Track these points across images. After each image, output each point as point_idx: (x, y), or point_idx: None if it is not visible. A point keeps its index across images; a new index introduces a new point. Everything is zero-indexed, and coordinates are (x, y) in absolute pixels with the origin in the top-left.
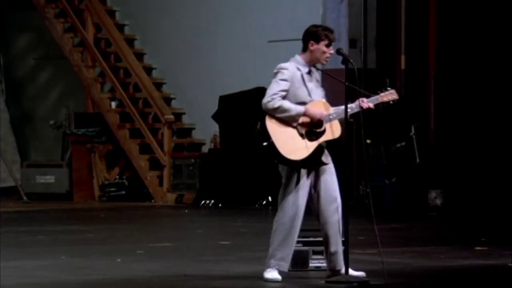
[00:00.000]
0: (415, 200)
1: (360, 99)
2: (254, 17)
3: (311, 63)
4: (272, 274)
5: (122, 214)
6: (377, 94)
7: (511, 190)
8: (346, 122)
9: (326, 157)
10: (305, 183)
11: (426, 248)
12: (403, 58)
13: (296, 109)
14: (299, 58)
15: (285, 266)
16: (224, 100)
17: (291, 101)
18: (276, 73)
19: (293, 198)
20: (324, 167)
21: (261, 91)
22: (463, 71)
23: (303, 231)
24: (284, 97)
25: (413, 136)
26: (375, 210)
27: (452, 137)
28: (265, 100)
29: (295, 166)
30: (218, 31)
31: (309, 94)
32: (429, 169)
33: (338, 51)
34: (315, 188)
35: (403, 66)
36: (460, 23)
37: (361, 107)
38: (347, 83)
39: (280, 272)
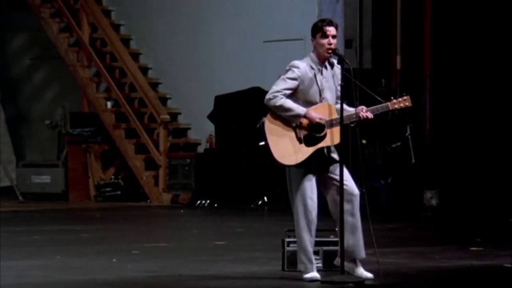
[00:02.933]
0: (411, 200)
1: (360, 107)
2: (249, 17)
3: (321, 60)
4: (310, 274)
5: (118, 214)
6: (389, 100)
7: (507, 190)
8: (342, 124)
9: (334, 155)
10: (311, 183)
11: (422, 249)
12: (398, 58)
13: (297, 109)
14: (312, 55)
15: (311, 267)
16: (220, 100)
17: (301, 100)
18: (287, 70)
19: (300, 200)
20: (334, 165)
21: (256, 91)
22: (458, 71)
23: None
24: (289, 96)
25: (409, 136)
26: (370, 210)
27: (447, 138)
28: (267, 96)
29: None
30: (213, 31)
31: (320, 94)
32: (425, 169)
33: (334, 52)
34: (325, 186)
35: (398, 66)
36: (455, 23)
37: (359, 117)
38: (359, 85)
39: (319, 271)
